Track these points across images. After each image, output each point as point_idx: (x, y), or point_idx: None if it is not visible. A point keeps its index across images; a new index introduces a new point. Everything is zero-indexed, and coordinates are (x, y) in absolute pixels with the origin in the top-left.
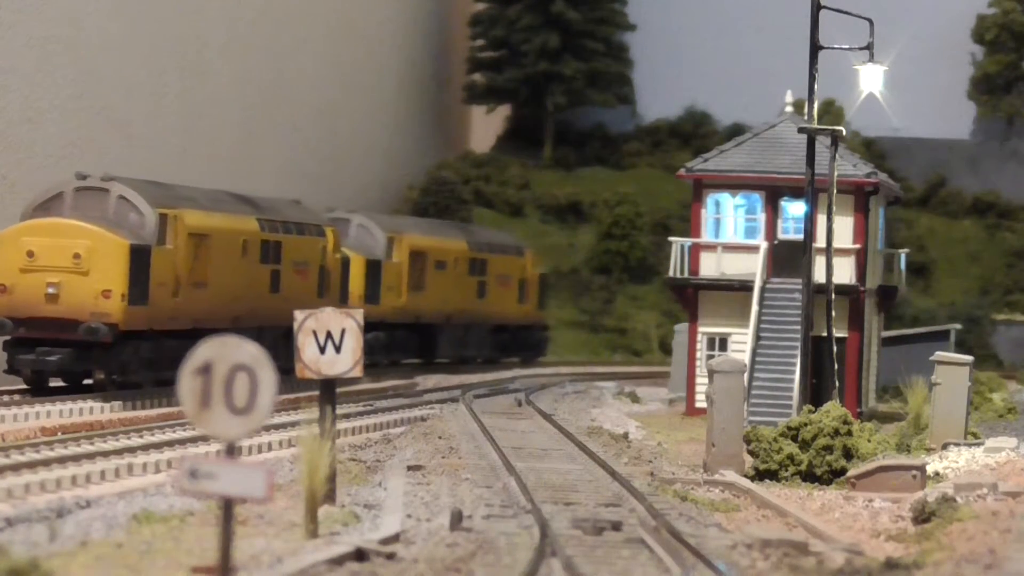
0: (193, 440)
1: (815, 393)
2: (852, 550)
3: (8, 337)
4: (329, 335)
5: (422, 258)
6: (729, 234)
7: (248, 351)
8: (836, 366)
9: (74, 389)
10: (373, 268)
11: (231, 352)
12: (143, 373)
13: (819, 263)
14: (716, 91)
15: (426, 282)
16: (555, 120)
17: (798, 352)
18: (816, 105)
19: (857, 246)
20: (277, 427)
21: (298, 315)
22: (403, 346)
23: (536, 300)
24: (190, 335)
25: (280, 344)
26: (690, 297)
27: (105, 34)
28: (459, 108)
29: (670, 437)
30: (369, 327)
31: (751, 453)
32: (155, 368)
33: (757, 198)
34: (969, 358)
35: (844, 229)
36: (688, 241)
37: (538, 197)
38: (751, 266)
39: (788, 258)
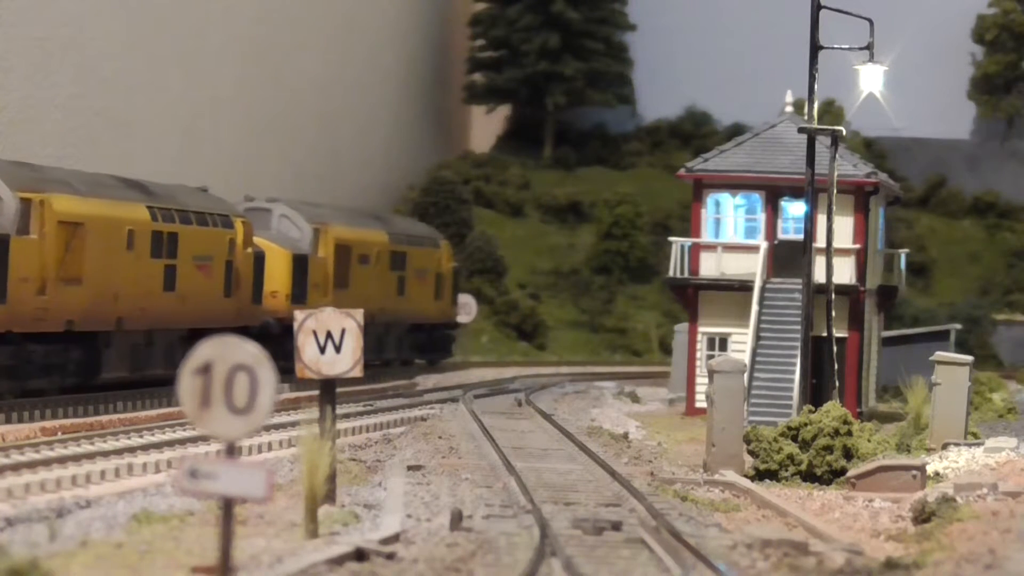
0: (193, 440)
1: (815, 393)
2: (852, 550)
3: None
4: (329, 335)
5: (347, 252)
6: (729, 234)
7: (248, 351)
8: (836, 366)
9: (74, 389)
10: (299, 264)
11: (231, 352)
12: (1, 383)
13: (819, 263)
14: (716, 91)
15: (351, 279)
16: (555, 120)
17: (798, 352)
18: (816, 105)
19: (857, 246)
20: (277, 427)
21: (298, 315)
22: None
23: (450, 297)
24: (63, 339)
25: (177, 350)
26: (690, 297)
27: (105, 34)
28: (459, 108)
29: (670, 437)
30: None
31: (751, 453)
32: (18, 377)
33: (757, 198)
34: (969, 358)
35: (844, 229)
36: (688, 241)
37: (538, 197)
38: (751, 266)
39: (788, 258)
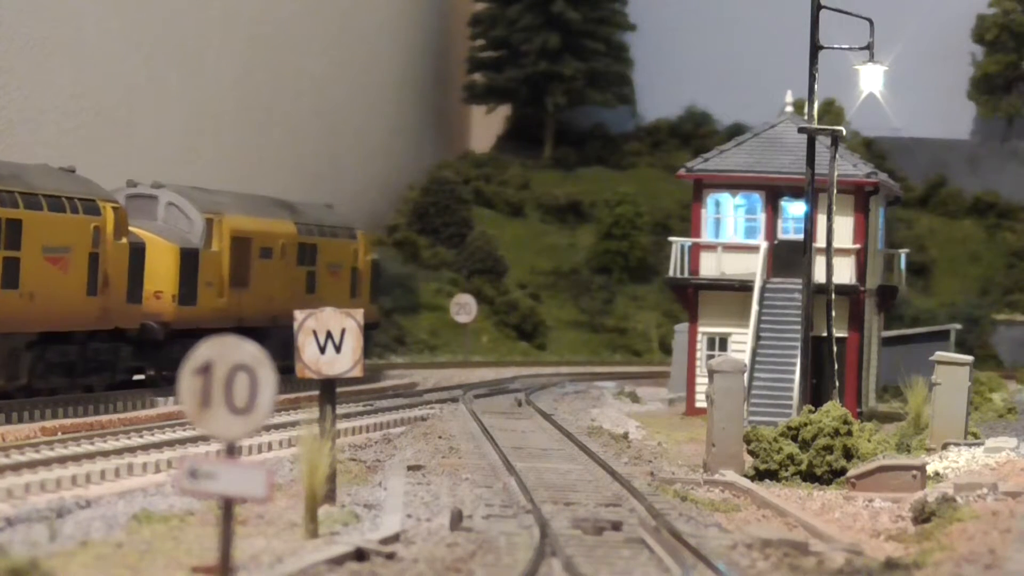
0: (193, 440)
1: (815, 393)
2: (852, 550)
3: None
4: (329, 335)
5: (246, 245)
6: (729, 234)
7: (248, 351)
8: (836, 366)
9: (74, 389)
10: (189, 259)
11: (231, 352)
12: None
13: (819, 263)
14: (716, 91)
15: (251, 276)
16: (555, 120)
17: (798, 352)
18: (816, 105)
19: (857, 246)
20: (277, 427)
21: (298, 315)
22: None
23: (369, 294)
24: None
25: (22, 358)
26: (690, 297)
27: (105, 34)
28: (459, 108)
29: (670, 437)
30: (181, 335)
31: (751, 453)
32: None
33: (757, 198)
34: (969, 358)
35: (844, 229)
36: (688, 241)
37: (538, 197)
38: (751, 266)
39: (788, 258)
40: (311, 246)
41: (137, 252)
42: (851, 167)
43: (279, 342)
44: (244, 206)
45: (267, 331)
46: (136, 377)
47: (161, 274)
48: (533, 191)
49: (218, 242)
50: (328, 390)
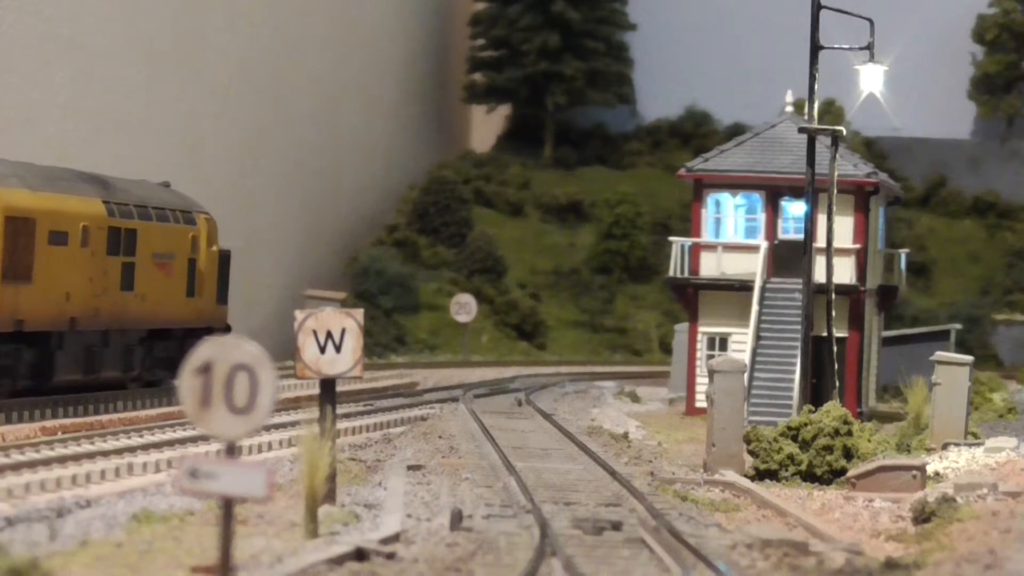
0: (193, 440)
1: (815, 393)
2: (852, 550)
3: None
4: (329, 335)
5: (27, 227)
6: (729, 234)
7: (248, 351)
8: (836, 366)
9: (75, 389)
10: None
11: (231, 352)
12: None
13: (819, 263)
14: (716, 91)
15: (35, 267)
16: (555, 120)
17: (798, 352)
18: (816, 105)
19: (857, 246)
20: (277, 427)
21: (298, 315)
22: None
23: (215, 291)
24: None
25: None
26: (690, 297)
27: (105, 34)
28: (459, 108)
29: (670, 437)
30: None
31: (751, 453)
32: None
33: (757, 198)
34: (969, 358)
35: (844, 229)
36: (688, 241)
37: (538, 197)
38: (751, 266)
39: (788, 258)
40: (128, 231)
41: (224, 259)
42: (851, 167)
43: (79, 351)
44: (29, 179)
45: (61, 337)
46: None
47: None
48: (533, 191)
49: None
50: (328, 390)
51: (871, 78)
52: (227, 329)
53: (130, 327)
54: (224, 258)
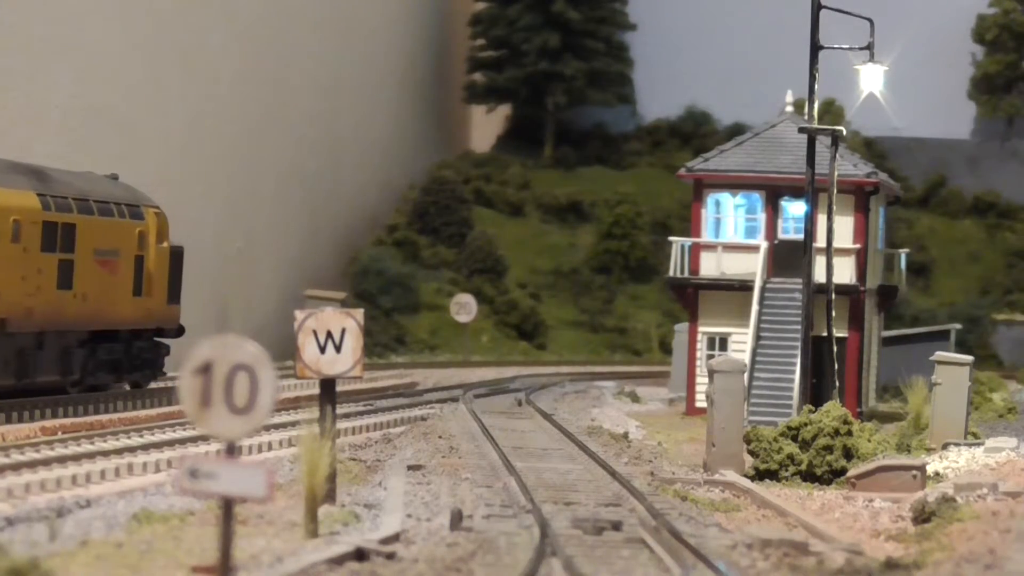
0: (193, 440)
1: (815, 393)
2: (852, 550)
3: None
4: (329, 335)
5: None
6: (729, 234)
7: (248, 351)
8: (836, 366)
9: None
10: None
11: (231, 351)
12: None
13: (819, 263)
14: (716, 91)
15: None
16: (555, 120)
17: (798, 352)
18: (816, 105)
19: (857, 246)
20: (277, 427)
21: (298, 314)
22: None
23: (165, 290)
24: None
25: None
26: (690, 297)
27: (105, 34)
28: (459, 108)
29: (670, 437)
30: None
31: (751, 453)
32: None
33: (757, 198)
34: (969, 358)
35: (844, 229)
36: (688, 241)
37: (538, 197)
38: (751, 266)
39: (788, 258)
40: (67, 226)
41: (176, 256)
42: (851, 167)
43: (10, 354)
44: None
45: None
46: None
47: None
48: (533, 191)
49: None
50: (328, 390)
51: (871, 78)
52: (180, 330)
53: (69, 328)
54: (176, 255)
